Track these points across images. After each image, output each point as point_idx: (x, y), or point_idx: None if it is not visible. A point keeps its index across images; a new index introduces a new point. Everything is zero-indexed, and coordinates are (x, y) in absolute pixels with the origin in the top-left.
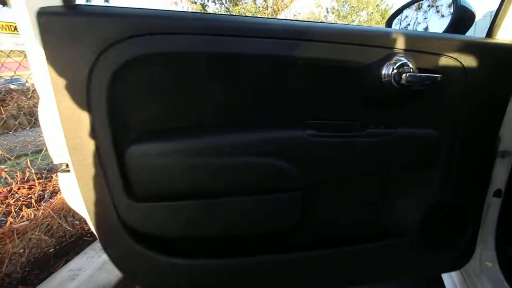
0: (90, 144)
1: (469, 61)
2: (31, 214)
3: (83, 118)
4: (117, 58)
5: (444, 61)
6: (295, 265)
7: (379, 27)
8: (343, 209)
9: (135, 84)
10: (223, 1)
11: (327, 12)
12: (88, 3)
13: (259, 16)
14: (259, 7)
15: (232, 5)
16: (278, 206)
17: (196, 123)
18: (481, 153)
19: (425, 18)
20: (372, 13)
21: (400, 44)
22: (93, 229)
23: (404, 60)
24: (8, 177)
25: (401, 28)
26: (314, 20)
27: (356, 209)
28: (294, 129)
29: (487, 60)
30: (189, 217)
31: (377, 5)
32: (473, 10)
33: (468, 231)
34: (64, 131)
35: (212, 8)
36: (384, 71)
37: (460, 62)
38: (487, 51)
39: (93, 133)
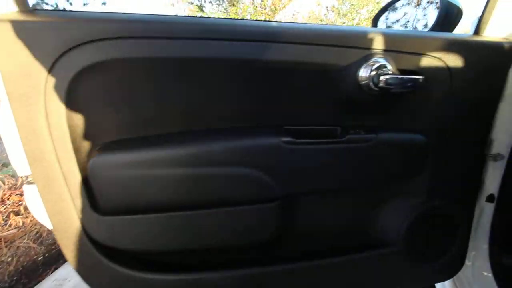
0: (51, 156)
1: (454, 60)
2: (19, 221)
3: (42, 128)
4: (74, 65)
5: (426, 61)
6: (278, 277)
7: (356, 27)
8: (327, 219)
9: (95, 92)
10: (220, 1)
11: (327, 10)
12: (45, 9)
13: (258, 17)
14: (256, 7)
15: (230, 5)
16: (255, 217)
17: (164, 132)
18: (471, 157)
19: (414, 16)
20: (372, 10)
21: (379, 44)
22: (59, 244)
23: (383, 61)
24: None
25: (388, 28)
26: (305, 21)
27: (341, 219)
28: (268, 136)
29: (474, 58)
30: (160, 231)
31: (377, 3)
32: (460, 7)
33: (459, 239)
34: (22, 142)
35: (208, 9)
36: (361, 74)
37: (444, 62)
38: (474, 49)
39: (53, 144)
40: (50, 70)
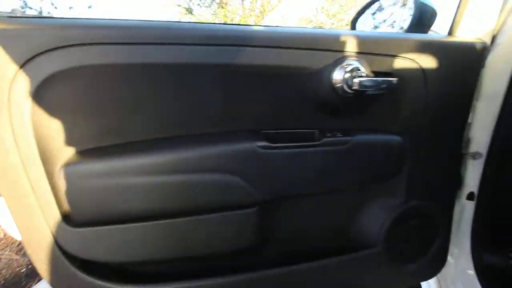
0: (18, 166)
1: (428, 61)
2: (0, 233)
3: (7, 138)
4: (40, 72)
5: (400, 63)
6: (261, 284)
7: (330, 30)
8: (307, 224)
9: (63, 99)
10: (209, 4)
11: (317, 11)
12: (11, 15)
13: (247, 19)
14: (245, 9)
15: (219, 7)
16: (234, 224)
17: (137, 139)
18: (449, 156)
19: (390, 17)
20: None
21: (353, 47)
22: (30, 258)
23: (356, 63)
24: None
25: (369, 29)
26: (295, 22)
27: (322, 223)
28: (245, 141)
29: (448, 59)
30: (136, 241)
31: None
32: (434, 8)
33: (440, 238)
34: None
35: (197, 11)
36: (335, 76)
37: (418, 63)
38: (448, 50)
39: (20, 154)
40: (14, 78)
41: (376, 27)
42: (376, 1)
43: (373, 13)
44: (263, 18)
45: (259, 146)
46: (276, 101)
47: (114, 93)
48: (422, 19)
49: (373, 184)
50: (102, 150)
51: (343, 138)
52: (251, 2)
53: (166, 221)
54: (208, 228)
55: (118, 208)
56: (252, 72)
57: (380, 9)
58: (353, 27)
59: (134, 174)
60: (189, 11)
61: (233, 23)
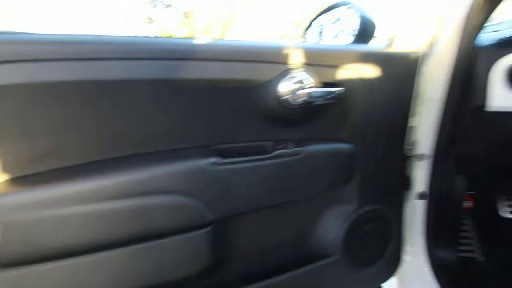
0: None
1: (370, 71)
2: None
3: None
4: None
5: (345, 73)
6: None
7: (275, 42)
8: (264, 239)
9: None
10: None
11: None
12: None
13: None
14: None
15: (184, 17)
16: (186, 247)
17: (73, 163)
18: (398, 160)
19: (336, 29)
20: None
21: (299, 58)
22: None
23: (302, 75)
24: None
25: (318, 41)
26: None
27: (279, 236)
28: (194, 158)
29: (388, 68)
30: (76, 279)
31: None
32: (373, 21)
33: (395, 239)
34: None
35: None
36: (282, 88)
37: (362, 73)
38: (387, 60)
39: None
40: None
41: (325, 37)
42: (324, 13)
43: (321, 25)
44: (228, 28)
45: (211, 163)
46: (226, 115)
47: (45, 113)
48: (365, 31)
49: (327, 193)
50: (35, 177)
51: (295, 149)
52: (217, 13)
53: (110, 252)
54: (158, 256)
55: (54, 243)
56: (199, 87)
57: (328, 21)
58: (304, 39)
59: (72, 202)
60: (151, 20)
61: (196, 33)
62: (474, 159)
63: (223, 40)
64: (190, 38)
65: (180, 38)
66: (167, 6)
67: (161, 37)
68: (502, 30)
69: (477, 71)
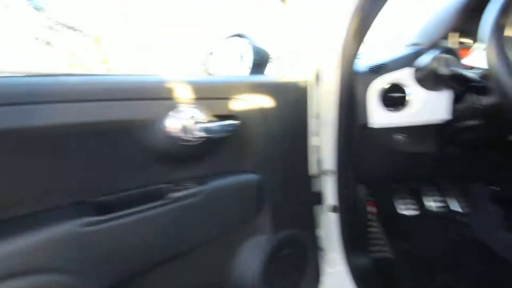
0: None
1: (264, 101)
2: None
3: None
4: None
5: (241, 104)
6: None
7: (163, 77)
8: None
9: None
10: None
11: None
12: None
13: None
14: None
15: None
16: None
17: None
18: (302, 180)
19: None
20: None
21: (188, 93)
22: None
23: (193, 110)
24: None
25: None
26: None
27: (195, 283)
28: (63, 222)
29: (280, 97)
30: None
31: None
32: (266, 51)
33: (312, 257)
34: None
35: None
36: (171, 125)
37: (257, 103)
38: (280, 89)
39: None
40: None
41: (221, 67)
42: (221, 43)
43: (218, 55)
44: (148, 53)
45: (84, 223)
46: (106, 162)
47: None
48: (259, 61)
49: (238, 226)
50: None
51: (194, 189)
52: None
53: None
54: None
55: None
56: (71, 132)
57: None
58: (203, 72)
59: None
60: (48, 43)
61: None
62: (368, 169)
63: (101, 75)
64: (59, 74)
65: (44, 75)
66: (71, 28)
67: (16, 76)
68: (373, 56)
69: (357, 93)
